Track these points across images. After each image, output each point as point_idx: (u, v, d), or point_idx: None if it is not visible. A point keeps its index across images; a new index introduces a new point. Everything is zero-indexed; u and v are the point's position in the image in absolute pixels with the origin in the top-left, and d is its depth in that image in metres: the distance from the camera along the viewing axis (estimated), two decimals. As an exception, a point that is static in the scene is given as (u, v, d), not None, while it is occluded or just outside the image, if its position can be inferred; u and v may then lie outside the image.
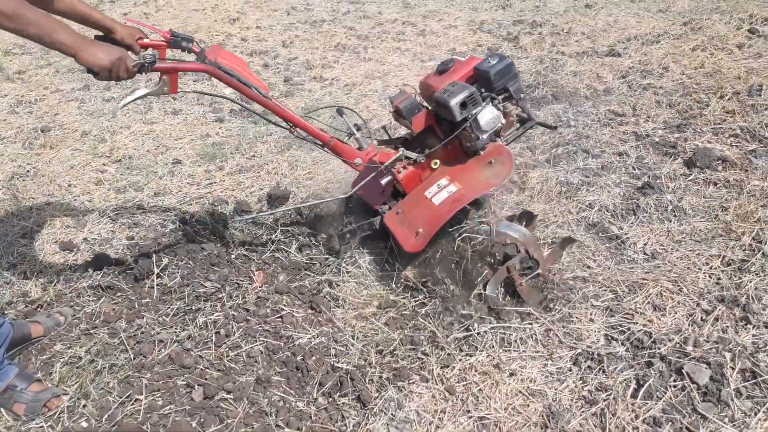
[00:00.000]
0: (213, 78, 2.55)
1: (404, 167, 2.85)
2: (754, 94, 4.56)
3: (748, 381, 2.19)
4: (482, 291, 2.61)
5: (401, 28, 7.46)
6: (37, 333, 2.65)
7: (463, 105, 2.58)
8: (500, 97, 2.67)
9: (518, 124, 2.81)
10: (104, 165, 4.26)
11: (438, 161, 2.85)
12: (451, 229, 2.69)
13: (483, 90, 2.64)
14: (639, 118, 4.46)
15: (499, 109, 2.66)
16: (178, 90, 2.45)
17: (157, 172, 4.12)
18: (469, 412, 2.19)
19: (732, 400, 2.11)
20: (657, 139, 4.09)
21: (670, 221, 3.20)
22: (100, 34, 2.46)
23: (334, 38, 7.21)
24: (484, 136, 2.66)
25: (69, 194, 3.90)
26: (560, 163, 3.87)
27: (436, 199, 2.69)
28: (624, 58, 5.78)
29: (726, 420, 2.05)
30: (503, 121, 2.69)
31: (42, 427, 2.22)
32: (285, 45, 7.03)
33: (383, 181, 2.87)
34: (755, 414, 2.06)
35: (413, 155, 2.82)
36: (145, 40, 2.55)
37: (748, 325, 2.45)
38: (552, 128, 2.80)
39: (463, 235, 2.66)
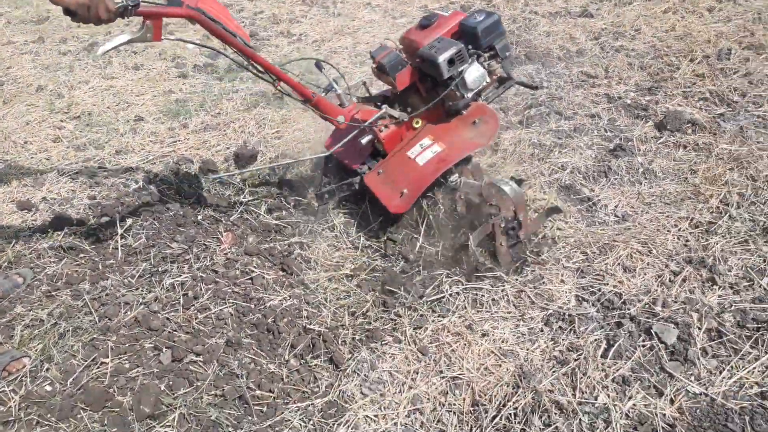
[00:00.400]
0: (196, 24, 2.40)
1: (386, 126, 2.77)
2: (723, 58, 4.58)
3: (713, 340, 2.24)
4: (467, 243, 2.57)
5: (372, -17, 7.25)
6: None
7: (451, 62, 2.52)
8: (486, 55, 2.61)
9: (497, 84, 2.76)
10: (62, 122, 4.08)
11: (420, 120, 2.80)
12: (445, 181, 2.66)
13: (469, 47, 2.58)
14: (611, 80, 4.45)
15: (484, 67, 2.61)
16: (162, 38, 2.28)
17: (118, 129, 3.96)
18: (441, 372, 2.20)
19: (698, 359, 2.16)
20: (629, 102, 4.09)
21: (641, 183, 3.22)
22: None
23: (302, -8, 6.97)
24: (469, 95, 2.62)
25: (25, 152, 3.73)
26: (533, 124, 3.84)
27: (420, 159, 2.64)
28: (597, 19, 5.73)
29: (692, 378, 2.10)
30: (488, 79, 2.65)
31: (4, 390, 2.14)
32: (251, -2, 6.78)
33: (363, 141, 2.80)
34: (720, 372, 2.10)
35: (397, 114, 2.76)
36: None
37: (714, 286, 2.50)
38: (533, 88, 2.77)
39: (456, 187, 2.62)
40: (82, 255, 2.79)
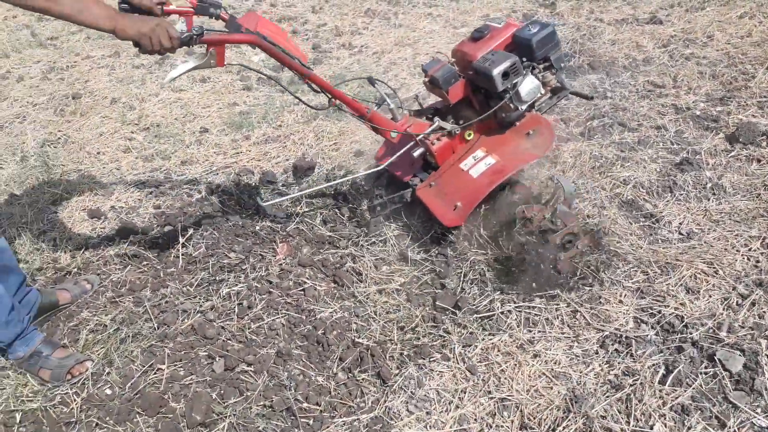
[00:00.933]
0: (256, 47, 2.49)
1: (438, 139, 2.77)
2: (805, 66, 4.32)
3: (784, 370, 2.10)
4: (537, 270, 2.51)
5: (434, -7, 7.26)
6: (65, 300, 2.70)
7: (505, 75, 2.51)
8: (541, 67, 2.59)
9: (550, 94, 2.71)
10: (132, 133, 4.28)
11: (472, 132, 2.78)
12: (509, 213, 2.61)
13: (524, 59, 2.56)
14: (680, 90, 4.27)
15: (539, 79, 2.58)
16: (225, 63, 2.36)
17: (184, 140, 4.11)
18: (490, 392, 2.16)
19: (766, 389, 2.03)
20: (698, 113, 3.91)
21: (709, 199, 3.06)
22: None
23: (364, 3, 7.05)
24: (523, 107, 2.60)
25: (98, 162, 3.93)
26: (595, 136, 3.73)
27: (473, 171, 2.63)
28: (666, 25, 5.52)
29: (759, 410, 1.97)
30: (542, 91, 2.62)
31: (67, 393, 2.26)
32: (314, 11, 6.91)
33: (416, 153, 2.81)
34: (790, 405, 1.97)
35: (449, 126, 2.75)
36: (170, 6, 2.39)
37: (787, 312, 2.35)
38: (588, 98, 2.70)
39: (522, 217, 2.53)
40: (145, 263, 2.91)
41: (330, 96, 2.66)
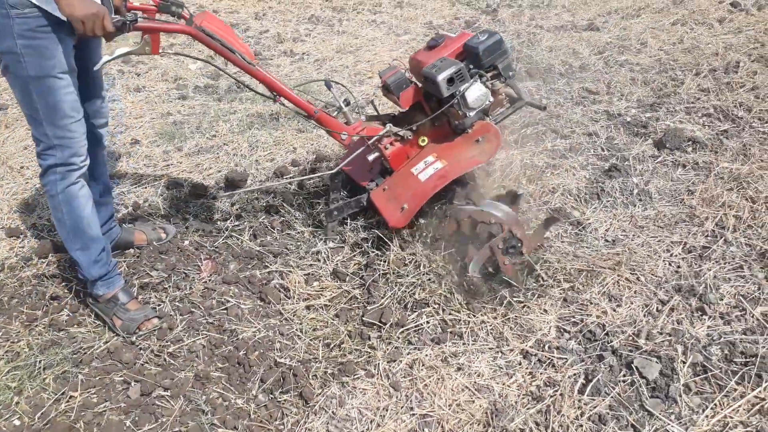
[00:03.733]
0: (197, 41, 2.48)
1: (391, 143, 2.80)
2: (731, 72, 4.46)
3: (698, 375, 2.13)
4: (466, 271, 2.55)
5: (379, -1, 7.26)
6: (140, 241, 2.97)
7: (450, 81, 2.53)
8: (489, 75, 2.61)
9: (508, 104, 2.74)
10: (60, 145, 4.12)
11: (426, 138, 2.79)
12: (436, 207, 2.67)
13: (471, 67, 2.59)
14: (612, 97, 4.36)
15: (487, 87, 2.60)
16: (161, 51, 2.35)
17: (114, 152, 3.98)
18: (412, 409, 2.13)
19: (680, 396, 2.06)
20: (629, 119, 3.99)
21: (635, 206, 3.12)
22: None
23: (308, 9, 7.01)
24: (472, 114, 2.61)
25: (21, 177, 3.77)
26: (527, 144, 3.77)
27: (422, 175, 2.65)
28: (603, 32, 5.65)
29: (672, 417, 2.00)
30: (491, 99, 2.64)
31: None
32: (257, 17, 6.83)
33: (370, 158, 2.84)
34: (703, 411, 2.01)
35: (400, 131, 2.78)
36: (135, 3, 2.40)
37: (704, 316, 2.39)
38: (541, 108, 2.72)
39: (448, 214, 2.61)
40: (63, 283, 2.79)
41: (275, 93, 2.65)
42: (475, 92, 2.57)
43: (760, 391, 2.03)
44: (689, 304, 2.45)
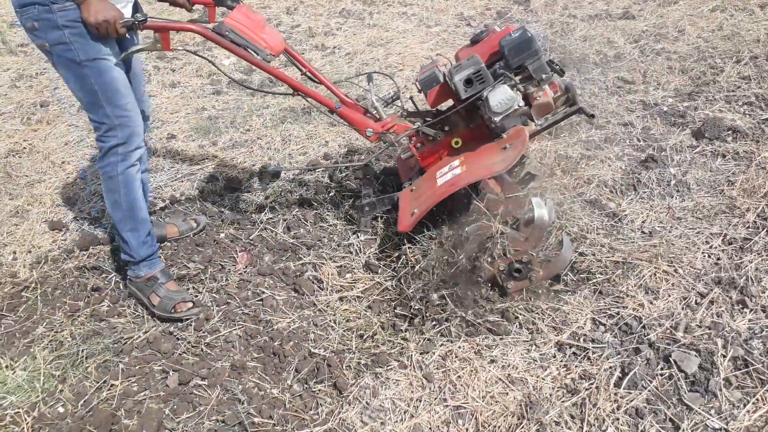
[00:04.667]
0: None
1: (422, 143, 2.74)
2: (773, 58, 4.32)
3: (739, 370, 2.09)
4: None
5: (409, -9, 7.22)
6: (173, 234, 3.05)
7: (468, 82, 2.42)
8: (517, 78, 2.43)
9: (563, 108, 2.56)
10: (99, 141, 4.22)
11: (459, 140, 2.67)
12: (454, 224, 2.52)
13: (497, 66, 2.46)
14: (649, 86, 4.27)
15: (519, 90, 2.43)
16: (171, 48, 2.43)
17: (150, 147, 4.06)
18: (445, 400, 2.13)
19: (720, 390, 2.02)
20: (666, 109, 3.91)
21: (672, 197, 3.06)
22: None
23: (339, 4, 7.01)
24: (497, 119, 2.44)
25: (62, 171, 3.88)
26: (562, 134, 3.72)
27: (441, 179, 2.56)
28: (638, 20, 5.52)
29: (712, 411, 1.96)
30: (521, 103, 2.44)
31: (18, 412, 2.21)
32: (289, 12, 6.87)
33: (403, 156, 2.82)
34: (744, 405, 1.96)
35: (430, 131, 2.69)
36: None
37: (745, 309, 2.34)
38: (589, 117, 2.47)
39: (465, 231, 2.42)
40: (104, 275, 2.86)
41: (293, 90, 2.65)
42: (499, 96, 2.39)
43: (804, 386, 1.98)
44: (729, 297, 2.40)
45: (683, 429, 1.91)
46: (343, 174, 3.47)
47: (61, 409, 2.21)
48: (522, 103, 2.46)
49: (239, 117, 4.40)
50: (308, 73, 2.87)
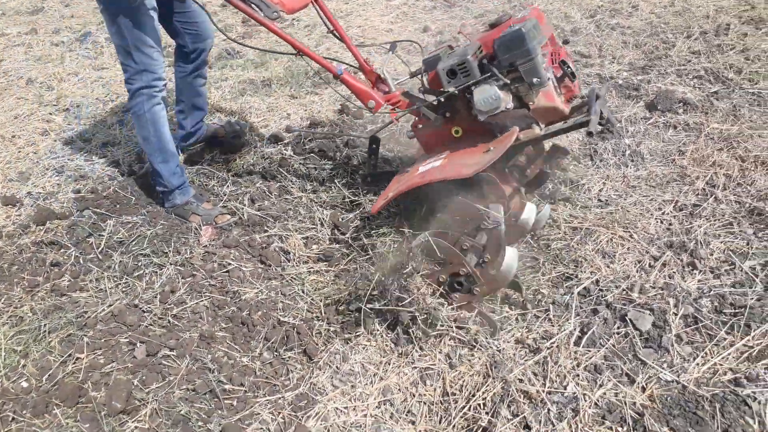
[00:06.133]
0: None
1: (422, 125, 2.57)
2: (721, 34, 4.49)
3: (689, 326, 2.21)
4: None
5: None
6: (222, 135, 3.52)
7: (452, 73, 2.27)
8: (507, 78, 2.23)
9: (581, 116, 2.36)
10: (51, 114, 4.09)
11: (460, 130, 2.49)
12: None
13: (485, 60, 2.26)
14: (604, 60, 4.38)
15: (510, 91, 2.25)
16: None
17: (106, 121, 3.96)
18: (413, 362, 2.19)
19: (672, 346, 2.13)
20: (621, 82, 4.02)
21: (627, 166, 3.17)
22: None
23: (296, -24, 6.90)
24: (481, 117, 2.30)
25: (13, 146, 3.74)
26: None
27: (421, 168, 2.42)
28: (594, -5, 5.63)
29: (665, 365, 2.07)
30: (509, 105, 2.27)
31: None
32: (245, -16, 6.71)
33: (409, 135, 2.66)
34: (693, 359, 2.08)
35: (431, 114, 2.51)
36: None
37: (694, 271, 2.46)
38: (588, 134, 2.41)
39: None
40: (62, 250, 2.80)
41: (296, 51, 2.56)
42: (481, 93, 2.24)
43: (748, 340, 2.11)
44: (681, 260, 2.52)
45: (638, 382, 2.01)
46: (309, 146, 3.46)
47: (25, 384, 2.18)
48: (511, 105, 2.28)
49: (198, 90, 4.31)
50: (335, 32, 2.83)
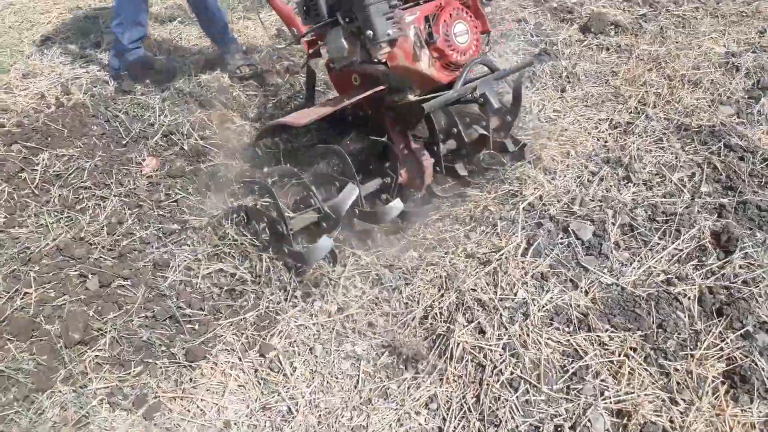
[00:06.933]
0: None
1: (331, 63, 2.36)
2: (649, -42, 4.58)
3: (626, 234, 2.37)
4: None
5: None
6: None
7: (306, 11, 2.13)
8: (349, 27, 2.03)
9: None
10: (-39, 45, 3.76)
11: (358, 77, 2.33)
12: None
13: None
14: (537, -17, 4.40)
15: (359, 41, 2.05)
16: None
17: (23, 51, 3.68)
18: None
19: (612, 252, 2.29)
20: (555, 5, 4.08)
21: (564, 88, 3.27)
22: None
23: None
24: (334, 65, 2.22)
25: None
26: (460, 31, 3.79)
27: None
28: None
29: (605, 270, 2.23)
30: (355, 56, 2.09)
31: None
32: None
33: None
34: (631, 264, 2.24)
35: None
36: None
37: (629, 184, 2.61)
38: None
39: None
40: (-7, 187, 2.65)
41: None
42: (329, 39, 2.10)
43: (678, 244, 2.29)
44: (617, 174, 2.66)
45: (581, 287, 2.16)
46: (244, 73, 3.37)
47: (-26, 318, 2.10)
48: (357, 58, 2.09)
49: (122, 16, 4.05)
50: None
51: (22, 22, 4.00)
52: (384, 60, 2.06)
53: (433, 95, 2.13)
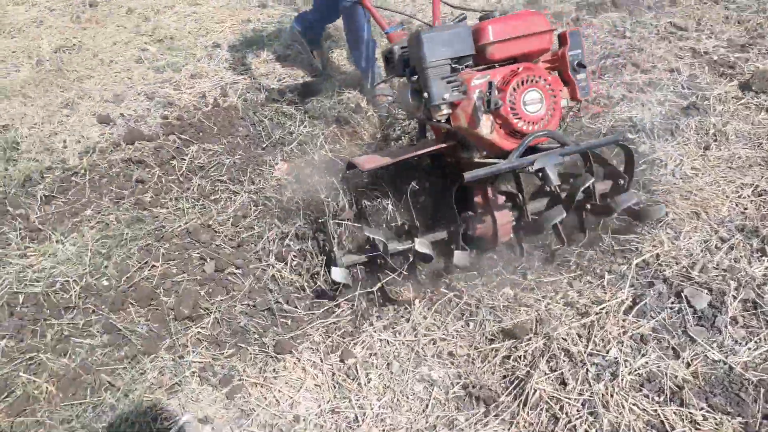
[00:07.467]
0: None
1: None
2: (837, 17, 4.16)
3: (747, 311, 2.16)
4: None
5: None
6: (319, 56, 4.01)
7: (388, 60, 2.23)
8: (413, 80, 2.11)
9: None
10: (146, 44, 4.30)
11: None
12: None
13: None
14: (702, 34, 4.16)
15: (418, 94, 2.07)
16: None
17: (195, 54, 4.14)
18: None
19: (726, 327, 2.10)
20: (716, 58, 3.82)
21: (709, 146, 3.05)
22: None
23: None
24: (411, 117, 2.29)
25: (110, 70, 3.99)
26: (606, 74, 3.69)
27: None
28: (701, -34, 5.30)
29: (714, 345, 2.05)
30: (420, 114, 2.16)
31: (67, 280, 2.40)
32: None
33: None
34: (746, 343, 2.04)
35: None
36: None
37: (764, 257, 2.38)
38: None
39: None
40: (148, 169, 3.01)
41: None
42: (400, 90, 2.16)
43: (808, 331, 2.05)
44: (750, 245, 2.44)
45: (683, 357, 2.01)
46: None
47: (105, 282, 2.40)
48: (421, 114, 2.15)
49: (284, 31, 4.42)
50: None
51: (199, 29, 4.50)
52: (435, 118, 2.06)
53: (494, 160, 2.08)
